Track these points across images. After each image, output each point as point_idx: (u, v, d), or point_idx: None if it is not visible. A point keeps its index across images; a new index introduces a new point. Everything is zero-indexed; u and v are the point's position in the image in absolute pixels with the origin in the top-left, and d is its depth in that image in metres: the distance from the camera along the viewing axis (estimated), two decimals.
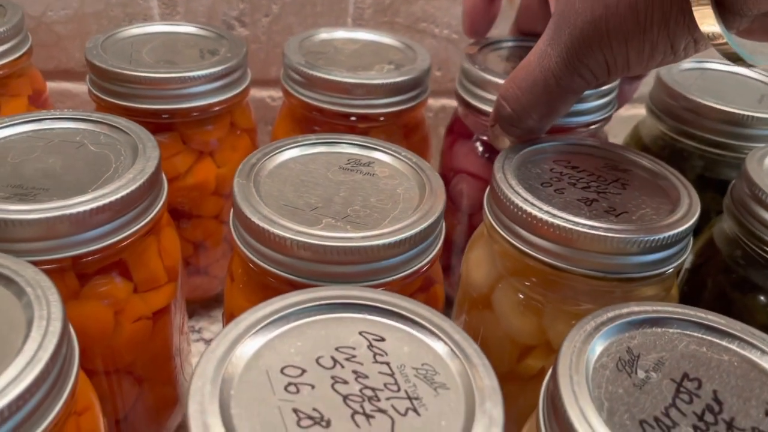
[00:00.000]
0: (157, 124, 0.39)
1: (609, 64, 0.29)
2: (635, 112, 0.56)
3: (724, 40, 0.25)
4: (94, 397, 0.26)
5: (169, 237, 0.33)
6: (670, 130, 0.43)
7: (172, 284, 0.33)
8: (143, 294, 0.31)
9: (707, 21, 0.25)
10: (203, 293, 0.46)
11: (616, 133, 0.57)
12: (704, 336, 0.24)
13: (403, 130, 0.44)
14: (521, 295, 0.32)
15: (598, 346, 0.23)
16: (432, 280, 0.32)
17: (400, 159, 0.33)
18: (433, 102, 0.53)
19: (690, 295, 0.37)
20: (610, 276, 0.30)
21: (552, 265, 0.30)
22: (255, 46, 0.51)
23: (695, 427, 0.21)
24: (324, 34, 0.46)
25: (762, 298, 0.34)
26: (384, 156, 0.33)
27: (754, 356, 0.23)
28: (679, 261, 0.30)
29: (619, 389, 0.22)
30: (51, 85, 0.48)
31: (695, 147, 0.42)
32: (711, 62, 0.47)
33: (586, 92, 0.38)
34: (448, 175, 0.45)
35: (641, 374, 0.22)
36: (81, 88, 0.53)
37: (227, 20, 0.51)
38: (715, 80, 0.46)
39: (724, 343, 0.24)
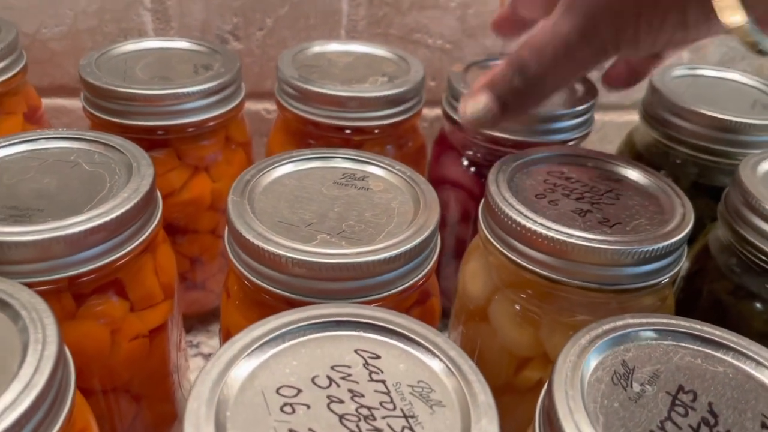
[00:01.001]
0: (152, 140, 0.39)
1: (620, 36, 0.29)
2: (629, 118, 0.56)
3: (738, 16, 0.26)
4: (91, 418, 0.26)
5: (164, 254, 0.33)
6: (663, 137, 0.43)
7: (169, 301, 0.33)
8: (139, 312, 0.31)
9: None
10: (200, 308, 0.46)
11: (611, 139, 0.57)
12: (699, 348, 0.24)
13: (398, 141, 0.44)
14: (518, 307, 0.32)
15: (593, 360, 0.23)
16: (428, 294, 0.32)
17: (394, 173, 0.33)
18: (428, 111, 0.53)
19: (686, 303, 0.37)
20: (606, 287, 0.30)
21: (547, 278, 0.30)
22: (249, 59, 0.52)
23: None
24: (317, 47, 0.46)
25: (757, 305, 0.34)
26: (378, 170, 0.33)
27: (749, 368, 0.23)
28: (674, 271, 0.31)
29: (615, 403, 0.22)
30: (46, 101, 0.48)
31: (688, 154, 0.43)
32: (703, 68, 0.48)
33: (562, 111, 0.38)
34: (434, 185, 0.45)
35: (636, 387, 0.22)
36: (76, 103, 0.53)
37: (221, 34, 0.51)
38: (707, 87, 0.46)
39: (719, 354, 0.24)
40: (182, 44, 0.45)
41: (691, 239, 0.39)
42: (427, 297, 0.32)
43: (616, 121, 0.58)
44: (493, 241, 0.32)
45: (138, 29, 0.50)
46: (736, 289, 0.35)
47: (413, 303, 0.31)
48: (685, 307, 0.37)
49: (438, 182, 0.46)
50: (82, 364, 0.28)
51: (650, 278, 0.30)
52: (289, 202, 0.30)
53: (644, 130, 0.46)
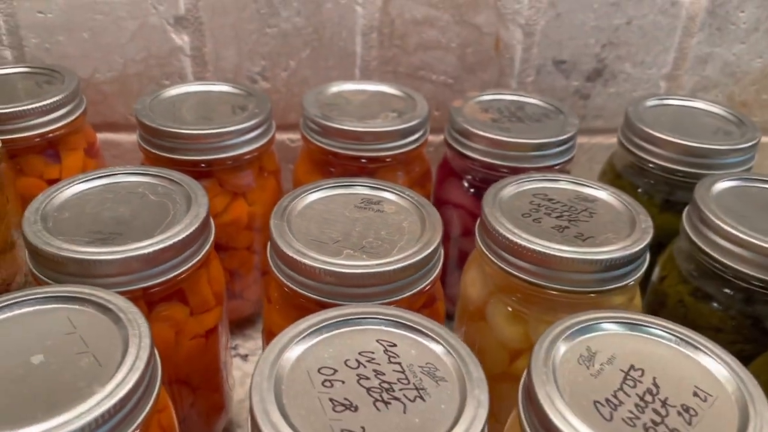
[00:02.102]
0: (197, 171, 0.46)
1: None
2: (614, 140, 0.63)
3: None
4: (168, 401, 0.32)
5: (215, 267, 0.40)
6: (637, 160, 0.50)
7: (219, 307, 0.40)
8: (197, 316, 0.38)
9: None
10: (238, 315, 0.53)
11: (599, 160, 0.63)
12: (650, 336, 0.30)
13: (407, 167, 0.50)
14: (509, 308, 0.39)
15: (562, 347, 0.29)
16: (434, 298, 0.39)
17: (404, 197, 0.40)
18: (433, 138, 0.60)
19: (655, 303, 0.43)
20: (581, 290, 0.36)
21: (532, 283, 0.36)
22: (276, 96, 0.59)
23: (637, 405, 0.27)
24: (335, 88, 0.53)
25: (714, 304, 0.40)
26: (391, 195, 0.40)
27: (688, 351, 0.30)
28: (638, 275, 0.37)
29: (579, 378, 0.28)
30: (99, 136, 0.55)
31: (660, 175, 0.49)
32: (672, 98, 0.54)
33: (548, 140, 0.45)
34: (439, 205, 0.52)
35: (597, 366, 0.29)
36: (124, 137, 0.60)
37: (251, 75, 0.58)
38: (675, 115, 0.52)
39: (664, 341, 0.30)
40: (221, 87, 0.52)
41: (661, 248, 0.45)
42: (434, 301, 0.39)
43: (603, 143, 0.64)
44: (487, 253, 0.38)
45: (179, 73, 0.57)
46: (695, 291, 0.41)
47: (422, 305, 0.38)
48: (654, 307, 0.44)
49: (442, 203, 0.52)
50: None
51: (617, 281, 0.36)
52: (319, 224, 0.37)
53: (622, 154, 0.52)
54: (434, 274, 0.36)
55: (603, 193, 0.41)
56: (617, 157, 0.54)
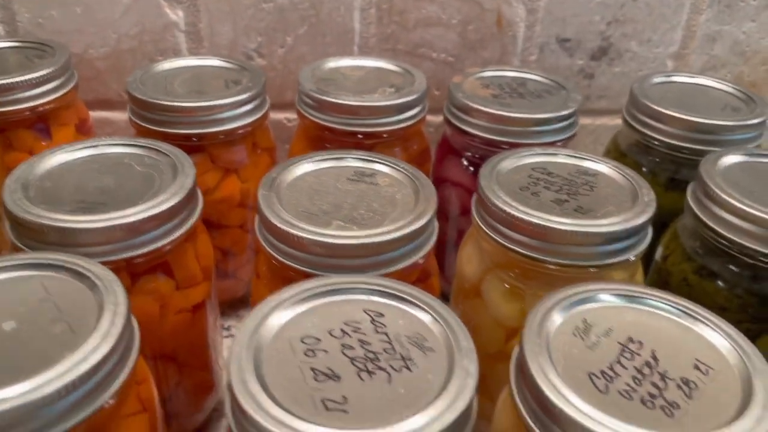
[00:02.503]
0: (189, 146, 0.45)
1: None
2: (618, 122, 0.61)
3: None
4: (148, 373, 0.31)
5: (203, 242, 0.39)
6: (643, 138, 0.48)
7: (207, 283, 0.39)
8: (183, 290, 0.37)
9: None
10: (231, 295, 0.52)
11: (603, 141, 0.62)
12: (649, 308, 0.29)
13: (405, 144, 0.49)
14: (506, 285, 0.37)
15: (558, 318, 0.28)
16: (428, 273, 0.38)
17: (398, 170, 0.38)
18: (434, 118, 0.59)
19: (659, 283, 0.42)
20: (580, 264, 0.35)
21: (530, 257, 0.35)
22: (272, 74, 0.57)
23: (634, 378, 0.26)
24: (332, 63, 0.51)
25: (718, 282, 0.38)
26: (385, 168, 0.39)
27: (688, 323, 0.28)
28: (639, 250, 0.35)
29: (574, 350, 0.27)
30: (92, 114, 0.54)
31: (665, 153, 0.47)
32: (679, 75, 0.52)
33: (549, 115, 0.44)
34: (438, 184, 0.51)
35: (593, 338, 0.28)
36: (118, 115, 0.59)
37: (247, 51, 0.57)
38: (681, 92, 0.51)
39: (664, 314, 0.29)
40: (214, 62, 0.51)
41: (665, 228, 0.44)
42: (428, 276, 0.38)
43: (608, 124, 0.63)
44: (484, 227, 0.37)
45: (173, 49, 0.56)
46: (700, 269, 0.39)
47: (415, 280, 0.36)
48: (658, 286, 0.42)
49: (441, 181, 0.51)
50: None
51: (618, 255, 0.35)
52: (309, 195, 0.36)
53: (627, 133, 0.51)
54: (427, 247, 0.35)
55: (604, 167, 0.40)
56: (622, 136, 0.52)
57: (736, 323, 0.37)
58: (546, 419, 0.25)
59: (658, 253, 0.43)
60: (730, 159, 0.40)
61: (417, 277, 0.36)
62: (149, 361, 0.36)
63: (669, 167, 0.48)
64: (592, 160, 0.40)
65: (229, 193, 0.47)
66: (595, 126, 0.63)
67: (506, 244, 0.36)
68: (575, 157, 0.40)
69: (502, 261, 0.37)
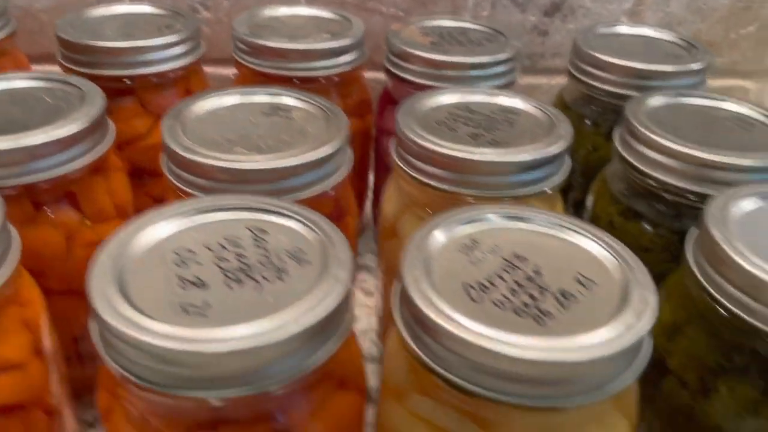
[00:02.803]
0: (119, 89, 0.44)
1: None
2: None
3: None
4: (39, 297, 0.31)
5: (118, 180, 0.38)
6: (586, 88, 0.47)
7: (121, 221, 0.38)
8: (94, 225, 0.36)
9: None
10: None
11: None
12: (539, 228, 0.28)
13: (342, 92, 0.48)
14: (421, 222, 0.36)
15: (443, 235, 0.27)
16: (343, 211, 0.37)
17: (315, 105, 0.38)
18: (380, 75, 0.58)
19: None
20: (493, 195, 0.34)
21: (443, 190, 0.34)
22: (217, 27, 0.57)
23: (511, 290, 0.25)
24: (270, 11, 0.51)
25: (643, 223, 0.38)
26: (302, 104, 0.38)
27: (576, 240, 0.27)
28: (554, 182, 0.34)
29: (455, 265, 0.26)
30: (37, 68, 0.53)
31: (607, 102, 0.46)
32: (621, 26, 0.51)
33: (485, 58, 0.42)
34: (379, 135, 0.50)
35: (477, 255, 0.27)
36: None
37: (192, 4, 0.56)
38: (626, 43, 0.50)
39: (555, 232, 0.28)
40: (148, 9, 0.50)
41: (595, 174, 0.43)
42: (342, 215, 0.37)
43: (561, 83, 0.62)
44: (399, 163, 0.36)
45: (119, 1, 0.55)
46: (625, 211, 0.39)
47: (328, 217, 0.36)
48: None
49: (382, 132, 0.50)
50: (42, 265, 0.34)
51: (532, 186, 0.34)
52: (217, 126, 0.35)
53: (571, 86, 0.50)
54: (336, 178, 0.34)
55: (528, 106, 0.39)
56: (567, 90, 0.51)
57: (661, 263, 0.37)
58: (417, 328, 0.24)
59: (589, 200, 0.42)
60: (657, 100, 0.40)
61: (330, 213, 0.36)
62: (57, 297, 0.36)
63: (611, 117, 0.47)
64: (517, 98, 0.39)
65: (160, 140, 0.46)
66: (550, 86, 0.62)
67: (420, 177, 0.35)
68: (500, 95, 0.40)
69: (419, 198, 0.36)
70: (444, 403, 0.25)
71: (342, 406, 0.27)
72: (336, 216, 0.36)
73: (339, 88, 0.48)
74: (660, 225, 0.37)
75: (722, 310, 0.28)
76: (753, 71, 0.63)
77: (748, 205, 0.30)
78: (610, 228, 0.39)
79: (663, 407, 0.31)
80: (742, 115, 0.39)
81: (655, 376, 0.32)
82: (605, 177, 0.41)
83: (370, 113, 0.52)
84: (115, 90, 0.43)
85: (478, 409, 0.24)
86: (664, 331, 0.32)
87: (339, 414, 0.26)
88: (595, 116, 0.48)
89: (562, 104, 0.51)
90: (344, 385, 0.27)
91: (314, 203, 0.33)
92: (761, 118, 0.38)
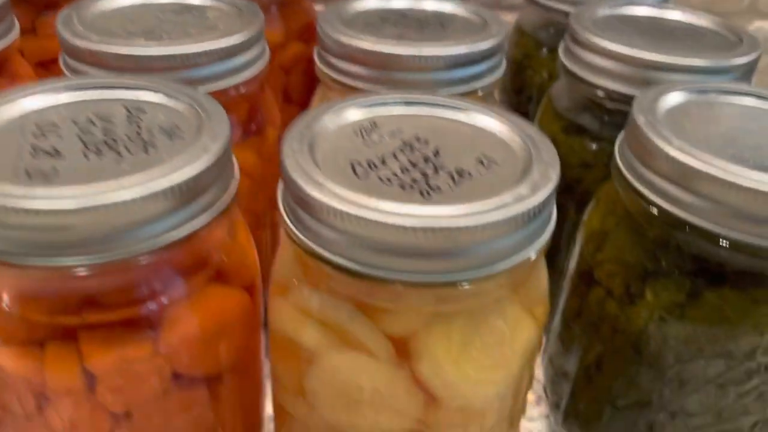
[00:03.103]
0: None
1: None
2: None
3: None
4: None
5: None
6: (545, 11, 0.45)
7: None
8: None
9: None
10: None
11: None
12: (443, 114, 0.25)
13: (285, 13, 0.45)
14: None
15: (338, 118, 0.25)
16: (263, 123, 0.34)
17: (231, 5, 0.35)
18: None
19: None
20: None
21: (366, 90, 0.32)
22: None
23: (403, 168, 0.22)
24: None
25: (585, 139, 0.35)
26: (214, 3, 0.35)
27: (487, 124, 0.25)
28: (486, 82, 0.32)
29: (347, 145, 0.23)
30: None
31: (564, 25, 0.44)
32: None
33: None
34: None
35: (375, 137, 0.24)
36: None
37: None
38: None
39: (464, 118, 0.25)
40: None
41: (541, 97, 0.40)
42: (262, 124, 0.34)
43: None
44: (324, 69, 0.34)
45: None
46: (568, 126, 0.36)
47: (246, 126, 0.33)
48: None
49: None
50: None
51: (461, 84, 0.31)
52: (121, 21, 0.32)
53: (529, 12, 0.47)
54: (247, 73, 0.31)
55: (465, 12, 0.36)
56: (524, 17, 0.49)
57: (602, 179, 0.34)
58: (298, 209, 0.21)
59: (535, 122, 0.40)
60: (604, 11, 0.37)
61: (245, 118, 0.33)
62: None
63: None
64: (451, 3, 0.37)
65: None
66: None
67: (343, 80, 0.32)
68: (432, 2, 0.37)
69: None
70: (332, 295, 0.23)
71: (222, 300, 0.24)
72: (255, 124, 0.34)
73: (281, 9, 0.45)
74: (602, 139, 0.34)
75: (649, 206, 0.25)
76: None
77: (676, 97, 0.28)
78: (554, 144, 0.36)
79: (590, 320, 0.29)
80: (693, 24, 0.36)
81: (583, 289, 0.29)
82: (551, 95, 0.38)
83: (315, 39, 0.49)
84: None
85: (368, 296, 0.22)
86: (593, 240, 0.29)
87: (217, 308, 0.24)
88: (552, 42, 0.45)
89: (520, 31, 0.48)
90: (227, 279, 0.25)
91: (226, 104, 0.31)
92: (712, 26, 0.36)
